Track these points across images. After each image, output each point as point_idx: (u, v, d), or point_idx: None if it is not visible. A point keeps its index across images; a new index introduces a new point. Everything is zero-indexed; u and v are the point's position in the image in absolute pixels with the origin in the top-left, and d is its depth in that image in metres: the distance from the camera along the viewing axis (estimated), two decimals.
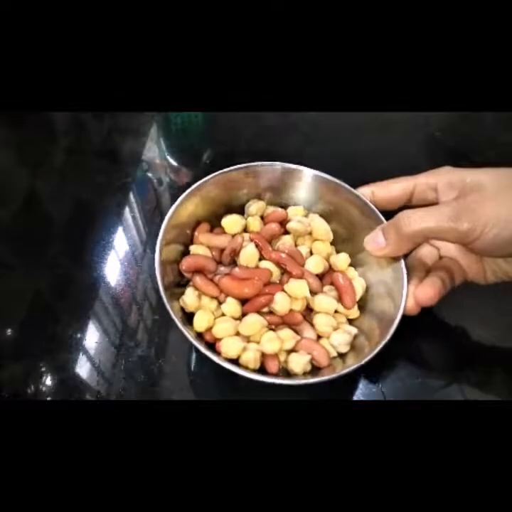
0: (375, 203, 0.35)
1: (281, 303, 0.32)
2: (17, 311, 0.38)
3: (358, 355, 0.30)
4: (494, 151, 0.53)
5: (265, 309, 0.33)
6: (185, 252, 0.35)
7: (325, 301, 0.33)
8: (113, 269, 0.41)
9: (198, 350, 0.35)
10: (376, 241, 0.32)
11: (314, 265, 0.35)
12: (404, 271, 0.31)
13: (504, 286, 0.34)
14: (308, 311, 0.34)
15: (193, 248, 0.35)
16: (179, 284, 0.34)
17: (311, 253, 0.37)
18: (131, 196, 0.48)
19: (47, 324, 0.37)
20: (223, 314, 0.33)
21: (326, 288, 0.35)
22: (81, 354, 0.35)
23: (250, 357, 0.30)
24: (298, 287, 0.33)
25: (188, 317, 0.33)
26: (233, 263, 0.35)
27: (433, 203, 0.32)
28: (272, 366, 0.31)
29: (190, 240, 0.36)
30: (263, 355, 0.31)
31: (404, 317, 0.31)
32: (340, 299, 0.34)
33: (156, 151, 0.54)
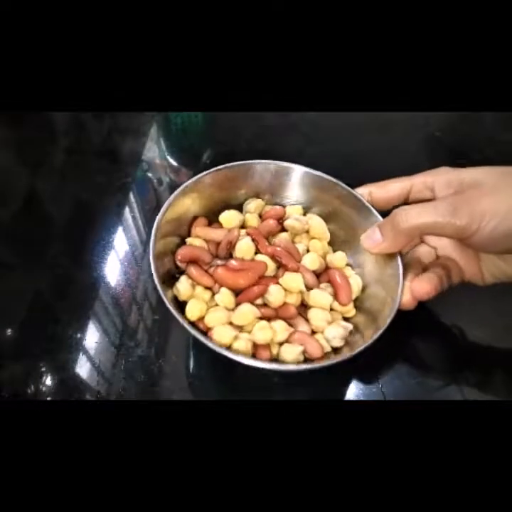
0: (373, 203, 0.35)
1: (275, 294, 0.32)
2: (17, 311, 0.38)
3: (352, 350, 0.30)
4: (494, 151, 0.53)
5: (259, 302, 0.33)
6: (182, 245, 0.35)
7: (320, 296, 0.33)
8: (113, 269, 0.41)
9: (197, 347, 0.35)
10: (372, 237, 0.32)
11: (310, 262, 0.35)
12: (401, 266, 0.31)
13: (502, 286, 0.34)
14: (304, 308, 0.34)
15: (189, 240, 0.35)
16: (174, 276, 0.34)
17: (308, 251, 0.36)
18: (131, 196, 0.48)
19: (47, 324, 0.37)
20: (217, 305, 0.32)
21: (323, 285, 0.35)
22: (81, 354, 0.35)
23: (242, 346, 0.30)
24: (293, 280, 0.32)
25: (182, 307, 0.32)
26: (229, 257, 0.35)
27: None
28: (264, 356, 0.30)
29: (188, 234, 0.36)
30: (255, 346, 0.31)
31: (404, 317, 0.31)
32: (336, 296, 0.34)
33: (156, 151, 0.54)
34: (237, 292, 0.33)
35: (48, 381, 0.34)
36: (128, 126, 0.57)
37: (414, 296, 0.31)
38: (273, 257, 0.34)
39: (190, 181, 0.35)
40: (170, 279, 0.34)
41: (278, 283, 0.33)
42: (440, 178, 0.32)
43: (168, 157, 0.53)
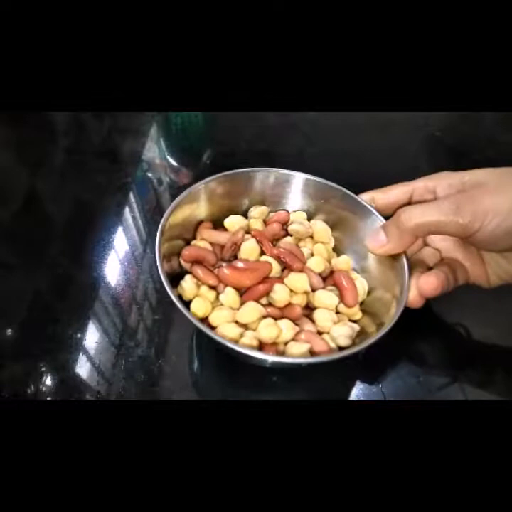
0: (376, 209, 0.35)
1: (280, 292, 0.32)
2: (17, 311, 0.38)
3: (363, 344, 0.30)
4: (494, 151, 0.53)
5: (264, 301, 0.33)
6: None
7: (325, 296, 0.33)
8: (113, 269, 0.41)
9: (198, 347, 0.35)
10: (377, 239, 0.32)
11: (315, 265, 0.35)
12: (406, 265, 0.31)
13: (505, 285, 0.34)
14: (310, 310, 0.34)
15: (194, 242, 0.36)
16: (179, 276, 0.34)
17: (313, 255, 0.37)
18: (131, 196, 0.48)
19: (47, 324, 0.37)
20: (221, 305, 0.32)
21: (328, 288, 0.35)
22: (81, 354, 0.35)
23: (247, 343, 0.30)
24: (298, 280, 0.32)
25: (186, 306, 0.32)
26: (234, 259, 0.35)
27: None
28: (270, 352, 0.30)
29: (193, 238, 0.36)
30: (260, 344, 0.30)
31: (406, 317, 0.31)
32: (341, 298, 0.33)
33: (156, 151, 0.54)
34: (241, 292, 0.32)
35: (48, 381, 0.34)
36: (128, 126, 0.57)
37: (421, 292, 0.31)
38: (278, 259, 0.34)
39: (196, 185, 0.35)
40: (175, 280, 0.33)
41: (283, 283, 0.33)
42: (442, 182, 0.33)
43: (168, 157, 0.53)
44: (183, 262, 0.34)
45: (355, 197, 0.36)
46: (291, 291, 0.33)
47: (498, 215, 0.28)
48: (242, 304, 0.32)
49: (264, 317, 0.32)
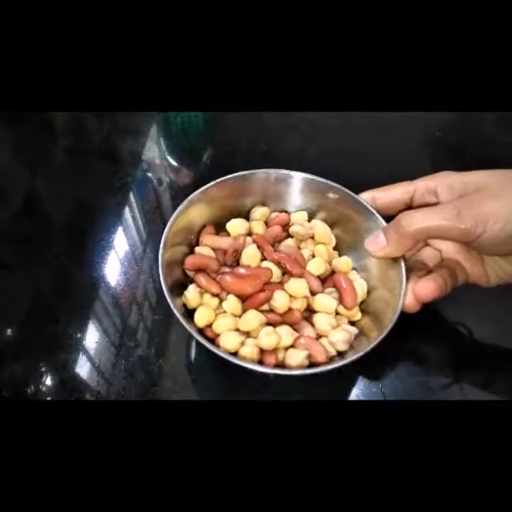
0: (377, 208, 0.35)
1: (280, 300, 0.32)
2: (17, 311, 0.38)
3: (356, 353, 0.30)
4: (494, 151, 0.53)
5: (265, 308, 0.33)
6: (191, 253, 0.36)
7: (324, 301, 0.33)
8: (113, 269, 0.41)
9: (198, 347, 0.35)
10: (377, 242, 0.32)
11: (316, 267, 0.35)
12: (404, 269, 0.32)
13: (505, 285, 0.34)
14: (310, 313, 0.34)
15: (197, 249, 0.36)
16: (184, 284, 0.35)
17: (314, 257, 0.37)
18: (131, 196, 0.48)
19: (47, 324, 0.37)
20: (224, 312, 0.33)
21: (328, 290, 0.35)
22: (81, 354, 0.35)
23: (248, 352, 0.30)
24: (297, 286, 0.33)
25: (191, 314, 0.33)
26: (236, 264, 0.36)
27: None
28: (269, 361, 0.31)
29: (196, 243, 0.37)
30: (261, 351, 0.31)
31: (405, 317, 0.31)
32: (341, 300, 0.34)
33: (156, 151, 0.54)
34: (243, 299, 0.33)
35: (48, 381, 0.34)
36: (128, 126, 0.57)
37: (417, 298, 0.31)
38: (278, 264, 0.34)
39: (196, 192, 0.36)
40: (179, 287, 0.34)
41: (283, 289, 0.33)
42: (443, 182, 0.32)
43: (168, 157, 0.53)
44: (186, 270, 0.35)
45: (355, 196, 0.36)
46: (291, 296, 0.33)
47: (499, 219, 0.28)
48: (244, 310, 0.33)
49: (266, 324, 0.32)
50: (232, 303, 0.33)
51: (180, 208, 0.34)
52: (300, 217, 0.38)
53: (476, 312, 0.37)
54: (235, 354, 0.31)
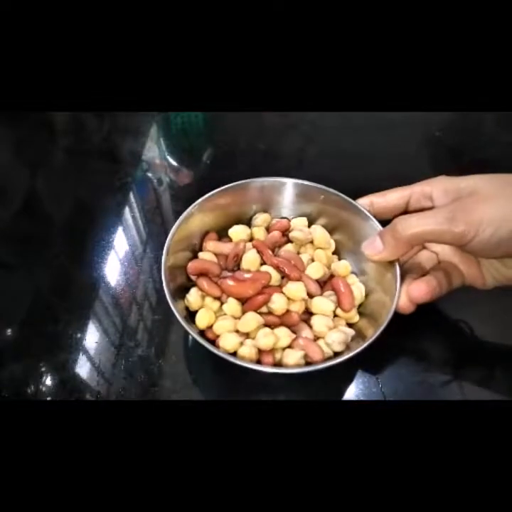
0: (374, 213, 0.36)
1: (278, 302, 0.33)
2: (17, 311, 0.38)
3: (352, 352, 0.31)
4: (494, 151, 0.53)
5: (264, 310, 0.34)
6: (194, 258, 0.37)
7: (322, 303, 0.34)
8: (113, 269, 0.41)
9: (198, 349, 0.36)
10: (373, 246, 0.33)
11: (315, 271, 0.36)
12: (398, 271, 0.32)
13: (503, 286, 0.34)
14: (309, 315, 0.35)
15: (200, 255, 0.37)
16: (187, 288, 0.35)
17: (313, 261, 0.37)
18: (131, 196, 0.48)
19: (47, 324, 0.37)
20: (225, 314, 0.34)
21: (327, 293, 0.36)
22: (81, 354, 0.35)
23: (246, 352, 0.31)
24: (295, 289, 0.34)
25: (193, 316, 0.33)
26: (237, 268, 0.37)
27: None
28: (267, 361, 0.32)
29: (199, 248, 0.38)
30: (259, 351, 0.32)
31: (405, 317, 0.31)
32: (339, 303, 0.35)
33: (156, 151, 0.54)
34: (243, 301, 0.34)
35: (48, 381, 0.34)
36: (128, 126, 0.57)
37: (411, 299, 0.32)
38: (277, 268, 0.35)
39: (198, 201, 0.36)
40: (183, 290, 0.35)
41: (281, 292, 0.34)
42: (438, 187, 0.33)
43: (168, 157, 0.53)
44: (189, 274, 0.36)
45: (354, 202, 0.36)
46: (290, 299, 0.34)
47: (491, 224, 0.28)
48: (243, 312, 0.34)
49: (264, 325, 0.33)
50: (232, 305, 0.34)
51: (181, 217, 0.35)
52: (300, 222, 0.39)
53: (475, 311, 0.37)
54: (234, 354, 0.31)
